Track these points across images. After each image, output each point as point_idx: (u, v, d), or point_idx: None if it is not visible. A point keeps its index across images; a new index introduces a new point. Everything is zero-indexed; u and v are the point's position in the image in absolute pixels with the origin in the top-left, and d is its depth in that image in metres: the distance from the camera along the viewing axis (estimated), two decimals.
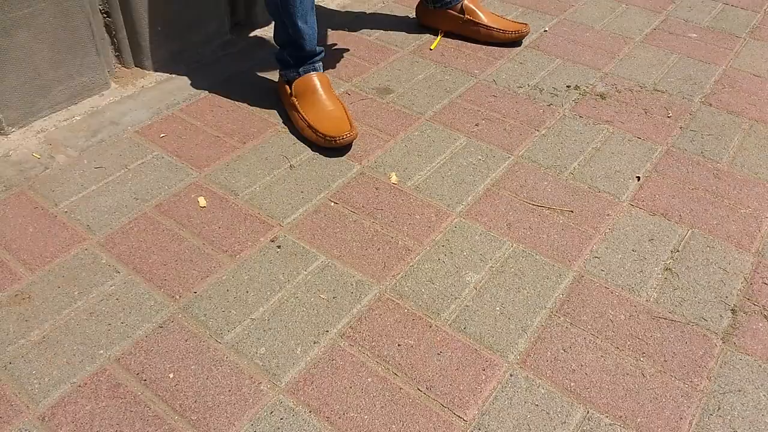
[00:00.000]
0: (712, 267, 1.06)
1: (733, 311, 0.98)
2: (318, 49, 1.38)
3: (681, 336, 0.94)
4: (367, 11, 1.87)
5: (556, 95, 1.51)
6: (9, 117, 1.29)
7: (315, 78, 1.35)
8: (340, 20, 1.81)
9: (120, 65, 1.50)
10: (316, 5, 1.88)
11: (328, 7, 1.89)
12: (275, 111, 1.42)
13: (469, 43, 1.71)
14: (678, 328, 0.95)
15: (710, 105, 1.49)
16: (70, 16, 1.31)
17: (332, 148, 1.29)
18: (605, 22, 1.84)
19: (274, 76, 1.53)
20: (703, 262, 1.06)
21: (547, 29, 1.80)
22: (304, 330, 0.92)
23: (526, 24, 1.70)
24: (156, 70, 1.53)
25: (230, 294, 0.98)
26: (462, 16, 1.69)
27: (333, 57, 1.63)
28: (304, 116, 1.32)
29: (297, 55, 1.36)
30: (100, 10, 1.41)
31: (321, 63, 1.40)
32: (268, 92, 1.48)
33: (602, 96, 1.51)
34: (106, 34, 1.44)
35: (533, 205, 1.18)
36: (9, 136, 1.30)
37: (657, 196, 1.21)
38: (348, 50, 1.67)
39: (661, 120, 1.43)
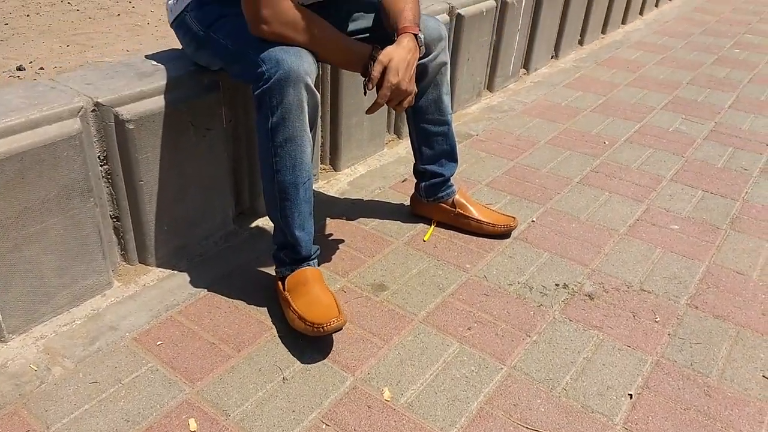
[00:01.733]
0: None
1: None
2: (313, 249, 1.45)
3: None
4: (365, 198, 1.97)
5: (546, 294, 1.55)
6: (10, 325, 1.32)
7: (307, 272, 1.40)
8: (338, 208, 1.90)
9: (124, 263, 1.56)
10: (316, 191, 1.99)
11: (328, 193, 1.99)
12: (272, 309, 1.45)
13: (460, 234, 1.78)
14: None
15: (696, 308, 1.53)
16: (80, 226, 1.38)
17: (321, 337, 1.31)
18: (589, 212, 1.94)
19: (273, 269, 1.58)
20: None
21: (534, 219, 1.88)
22: None
23: (514, 218, 1.79)
24: (159, 266, 1.58)
25: None
26: (453, 209, 1.79)
27: (330, 249, 1.70)
28: (295, 308, 1.35)
29: (293, 257, 1.42)
30: (111, 216, 1.49)
31: (316, 260, 1.46)
32: (267, 288, 1.52)
33: (590, 296, 1.55)
34: (114, 237, 1.51)
35: (528, 428, 1.17)
36: (8, 343, 1.32)
37: (650, 417, 1.21)
38: (344, 241, 1.74)
39: (650, 325, 1.46)
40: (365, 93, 1.40)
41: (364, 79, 1.39)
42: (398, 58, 1.36)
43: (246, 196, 1.83)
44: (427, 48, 1.58)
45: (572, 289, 1.58)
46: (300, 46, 1.31)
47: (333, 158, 2.13)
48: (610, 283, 1.61)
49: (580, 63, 3.36)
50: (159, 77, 1.52)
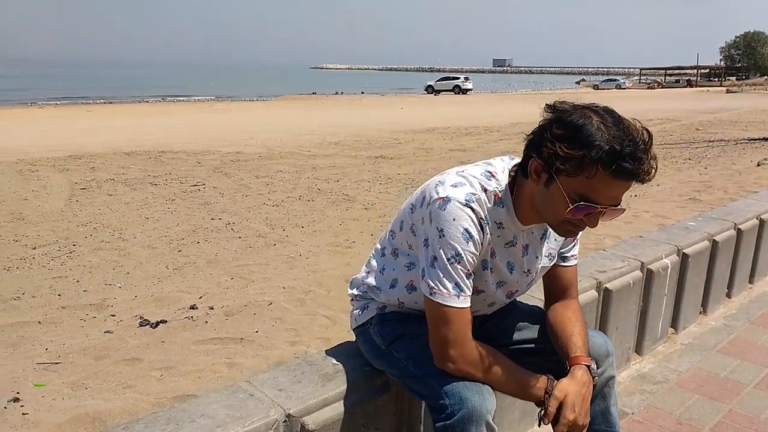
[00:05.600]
0: None
1: None
2: None
3: None
4: None
5: None
6: None
7: None
8: None
9: None
10: None
11: None
12: None
13: None
14: None
15: None
16: None
17: None
18: None
19: None
20: None
21: None
22: None
23: None
24: None
25: None
26: None
27: None
28: None
29: None
30: None
31: None
32: None
33: None
34: None
35: None
36: None
37: None
38: None
39: None
40: (539, 425, 1.43)
41: (538, 410, 1.42)
42: (574, 393, 1.40)
43: None
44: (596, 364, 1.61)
45: None
46: (480, 382, 1.39)
47: None
48: None
49: (731, 321, 3.22)
50: (339, 381, 1.65)
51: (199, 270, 4.27)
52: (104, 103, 31.45)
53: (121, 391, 2.53)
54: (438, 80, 47.15)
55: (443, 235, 1.38)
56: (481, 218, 1.41)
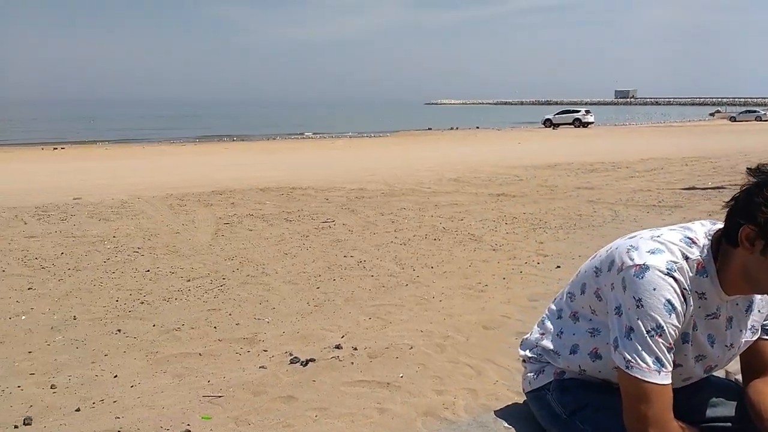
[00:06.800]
0: None
1: None
2: None
3: None
4: None
5: None
6: None
7: None
8: None
9: None
10: None
11: None
12: None
13: None
14: None
15: None
16: None
17: None
18: None
19: None
20: None
21: None
22: None
23: None
24: None
25: None
26: None
27: None
28: None
29: None
30: None
31: None
32: None
33: None
34: None
35: None
36: None
37: None
38: None
39: None
40: None
41: None
42: None
43: None
44: None
45: None
46: None
47: None
48: None
49: None
50: None
51: (338, 308, 4.41)
52: (237, 140, 33.96)
53: (281, 429, 2.64)
54: (557, 113, 46.07)
55: (642, 306, 1.32)
56: (684, 289, 1.33)
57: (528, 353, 1.71)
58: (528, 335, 1.75)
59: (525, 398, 1.76)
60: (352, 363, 3.35)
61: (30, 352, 3.57)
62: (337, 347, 3.55)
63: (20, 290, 4.79)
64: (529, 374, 1.71)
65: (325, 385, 3.07)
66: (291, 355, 3.46)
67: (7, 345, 3.69)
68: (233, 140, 34.17)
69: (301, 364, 3.31)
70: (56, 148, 26.56)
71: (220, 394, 2.99)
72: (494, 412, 1.79)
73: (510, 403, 1.90)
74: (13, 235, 6.77)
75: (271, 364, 3.36)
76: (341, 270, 5.47)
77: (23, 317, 4.18)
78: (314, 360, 3.38)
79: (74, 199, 9.34)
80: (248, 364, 3.37)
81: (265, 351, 3.56)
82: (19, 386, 3.12)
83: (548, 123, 44.57)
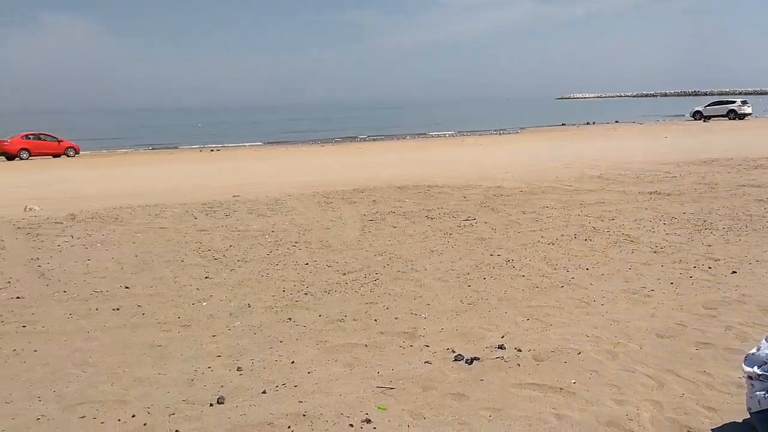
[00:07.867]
0: None
1: None
2: None
3: None
4: None
5: None
6: None
7: None
8: None
9: None
10: None
11: None
12: None
13: None
14: None
15: None
16: None
17: None
18: None
19: None
20: None
21: None
22: None
23: None
24: None
25: None
26: None
27: None
28: None
29: None
30: None
31: None
32: None
33: None
34: None
35: None
36: None
37: None
38: None
39: None
40: None
41: None
42: None
43: None
44: None
45: None
46: None
47: None
48: None
49: None
50: None
51: (492, 307, 4.36)
52: (369, 140, 34.99)
53: (457, 426, 2.66)
54: (708, 105, 42.16)
55: None
56: None
57: (756, 370, 1.57)
58: (754, 350, 1.61)
59: (746, 417, 1.62)
60: (518, 365, 3.29)
61: (214, 336, 3.92)
62: (500, 347, 3.51)
63: (199, 278, 5.27)
64: (758, 392, 1.57)
65: (494, 385, 3.05)
66: (454, 352, 3.47)
67: (194, 328, 4.08)
68: (366, 140, 35.22)
69: (466, 362, 3.32)
70: (212, 150, 29.77)
71: (391, 386, 3.07)
72: (711, 430, 1.67)
73: (705, 420, 1.76)
74: (186, 229, 7.48)
75: (435, 359, 3.41)
76: (490, 269, 5.41)
77: (204, 303, 4.60)
78: (479, 359, 3.37)
79: (233, 196, 10.13)
80: (413, 359, 3.43)
81: (427, 346, 3.61)
82: (209, 367, 3.43)
83: (698, 115, 40.92)
